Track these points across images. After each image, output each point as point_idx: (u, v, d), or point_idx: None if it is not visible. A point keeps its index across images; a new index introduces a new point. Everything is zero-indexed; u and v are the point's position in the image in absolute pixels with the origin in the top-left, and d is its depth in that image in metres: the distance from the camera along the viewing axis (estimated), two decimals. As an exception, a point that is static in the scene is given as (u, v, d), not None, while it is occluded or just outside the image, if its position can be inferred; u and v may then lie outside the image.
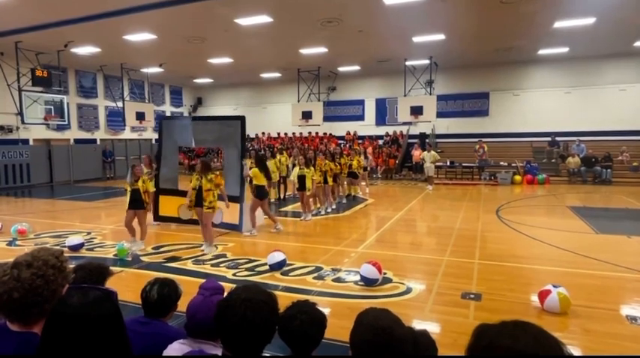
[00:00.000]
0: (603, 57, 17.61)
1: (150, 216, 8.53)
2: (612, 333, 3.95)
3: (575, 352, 3.60)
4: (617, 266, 5.86)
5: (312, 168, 9.67)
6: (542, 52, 16.97)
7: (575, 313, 4.32)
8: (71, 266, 1.59)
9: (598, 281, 5.40)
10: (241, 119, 8.61)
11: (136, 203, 7.16)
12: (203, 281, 2.10)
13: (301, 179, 9.48)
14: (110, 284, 2.36)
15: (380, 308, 1.53)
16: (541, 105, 19.11)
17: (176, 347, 1.83)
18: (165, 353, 1.84)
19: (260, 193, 8.11)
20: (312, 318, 1.72)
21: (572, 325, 4.14)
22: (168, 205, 8.83)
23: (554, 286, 4.38)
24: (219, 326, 1.45)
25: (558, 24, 12.78)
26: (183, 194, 7.73)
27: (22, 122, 15.44)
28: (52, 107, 16.00)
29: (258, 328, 1.42)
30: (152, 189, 7.54)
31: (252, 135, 24.84)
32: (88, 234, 8.36)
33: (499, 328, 1.00)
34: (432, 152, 15.19)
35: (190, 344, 1.83)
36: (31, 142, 17.62)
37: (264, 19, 11.81)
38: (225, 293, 1.65)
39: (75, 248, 7.06)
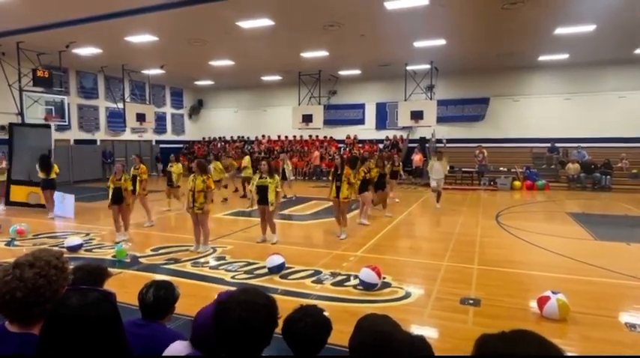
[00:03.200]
0: (603, 64, 17.65)
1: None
2: (611, 340, 3.94)
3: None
4: (616, 273, 5.86)
5: (277, 178, 7.71)
6: (542, 58, 17.02)
7: (574, 320, 4.31)
8: (71, 267, 1.59)
9: (597, 288, 5.39)
10: (49, 126, 12.85)
11: (119, 199, 7.84)
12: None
13: (262, 190, 7.44)
14: (108, 285, 2.34)
15: (380, 313, 1.53)
16: (541, 111, 19.14)
17: (179, 348, 1.83)
18: (166, 352, 1.84)
19: (44, 184, 10.53)
20: (317, 321, 1.73)
21: (571, 332, 4.14)
22: (19, 193, 11.68)
23: (553, 292, 4.38)
24: (216, 328, 1.45)
25: (559, 30, 12.82)
26: (31, 184, 11.08)
27: (23, 122, 15.45)
28: (53, 107, 15.99)
29: (254, 330, 1.42)
30: (130, 187, 8.10)
31: (252, 138, 24.92)
32: (87, 234, 8.36)
33: (501, 336, 1.00)
34: (444, 160, 11.74)
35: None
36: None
37: (265, 22, 11.84)
38: None
39: (73, 249, 7.05)
